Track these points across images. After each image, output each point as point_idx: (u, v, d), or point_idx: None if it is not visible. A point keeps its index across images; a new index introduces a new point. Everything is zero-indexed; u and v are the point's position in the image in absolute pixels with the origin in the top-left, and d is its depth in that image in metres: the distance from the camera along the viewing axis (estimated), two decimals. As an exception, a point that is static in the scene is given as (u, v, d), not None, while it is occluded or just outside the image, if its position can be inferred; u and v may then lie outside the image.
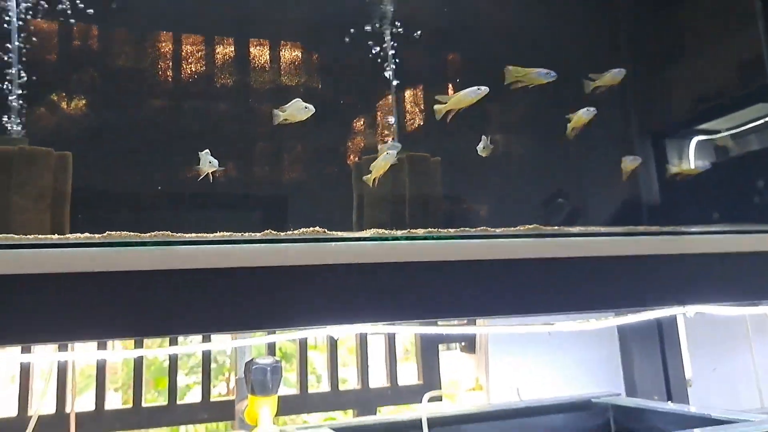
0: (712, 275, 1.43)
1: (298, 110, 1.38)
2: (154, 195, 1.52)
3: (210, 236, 1.14)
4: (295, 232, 1.20)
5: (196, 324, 1.08)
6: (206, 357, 2.12)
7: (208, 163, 1.29)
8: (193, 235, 1.13)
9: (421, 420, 1.87)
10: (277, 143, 1.75)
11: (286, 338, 1.68)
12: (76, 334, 1.02)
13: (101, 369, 1.99)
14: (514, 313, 1.30)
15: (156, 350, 1.46)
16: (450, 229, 1.31)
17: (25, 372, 1.95)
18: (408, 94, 1.97)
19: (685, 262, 1.41)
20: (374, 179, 1.51)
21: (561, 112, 1.79)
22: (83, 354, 1.49)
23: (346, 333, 1.66)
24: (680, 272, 1.40)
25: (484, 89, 1.45)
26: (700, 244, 1.43)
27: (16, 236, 1.07)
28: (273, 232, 1.18)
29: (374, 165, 1.51)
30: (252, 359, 1.77)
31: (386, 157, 1.48)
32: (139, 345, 2.14)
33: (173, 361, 2.06)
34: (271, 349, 2.18)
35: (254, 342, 1.65)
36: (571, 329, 1.85)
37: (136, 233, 1.10)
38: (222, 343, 1.61)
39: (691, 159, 2.11)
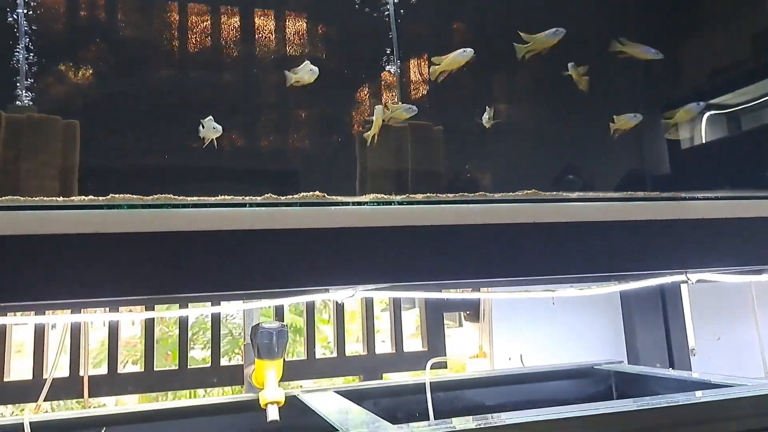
0: (713, 240, 1.43)
1: (306, 72, 1.45)
2: (160, 163, 1.55)
3: (211, 200, 1.17)
4: (296, 196, 1.22)
5: (197, 284, 1.11)
6: (215, 321, 2.17)
7: (212, 129, 1.31)
8: (195, 198, 1.16)
9: (424, 385, 1.91)
10: (280, 113, 1.77)
11: (293, 301, 1.71)
12: (79, 293, 1.05)
13: (113, 333, 2.04)
14: (512, 276, 1.32)
15: (166, 312, 1.50)
16: (449, 194, 1.32)
17: (39, 336, 2.01)
18: (412, 64, 1.98)
19: (685, 227, 1.42)
20: (373, 135, 1.55)
21: (568, 81, 1.79)
22: (95, 316, 1.54)
23: (349, 297, 1.69)
24: (680, 237, 1.41)
25: (469, 51, 1.51)
26: (700, 210, 1.44)
27: (22, 198, 1.10)
28: (273, 196, 1.20)
29: (376, 122, 1.55)
30: (258, 323, 1.81)
31: (378, 110, 1.52)
32: (149, 310, 2.19)
33: (183, 325, 2.11)
34: (279, 315, 2.22)
35: (261, 305, 1.69)
36: (572, 295, 1.87)
37: (139, 196, 1.12)
38: (231, 306, 1.65)
39: (702, 130, 2.10)
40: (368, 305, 2.34)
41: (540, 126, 1.92)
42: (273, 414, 1.69)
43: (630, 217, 1.38)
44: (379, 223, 1.24)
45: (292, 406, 1.75)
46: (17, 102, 1.53)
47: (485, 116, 1.79)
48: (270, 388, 1.71)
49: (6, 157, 1.40)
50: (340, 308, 2.27)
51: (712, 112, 2.08)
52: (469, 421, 1.24)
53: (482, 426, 1.22)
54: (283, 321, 1.93)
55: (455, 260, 1.27)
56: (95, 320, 1.51)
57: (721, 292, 2.65)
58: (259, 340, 1.76)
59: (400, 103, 1.73)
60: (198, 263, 1.12)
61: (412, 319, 2.65)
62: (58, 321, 1.62)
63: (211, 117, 1.33)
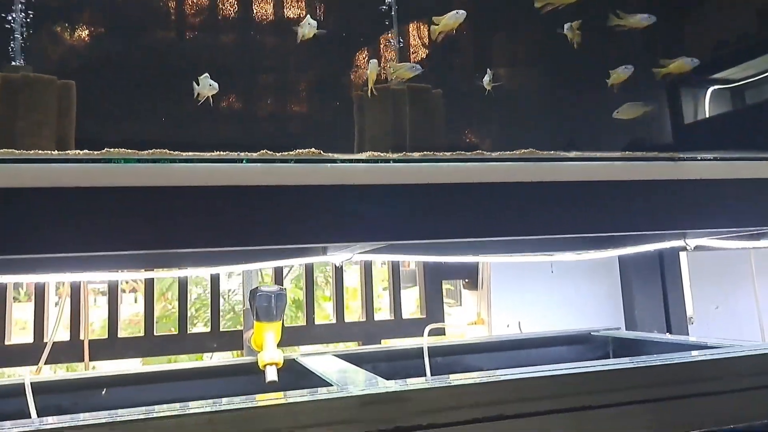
0: (711, 201, 1.43)
1: (308, 27, 1.47)
2: (156, 122, 1.54)
3: (207, 155, 1.16)
4: (291, 153, 1.21)
5: (192, 239, 1.11)
6: (214, 284, 2.18)
7: (207, 86, 1.30)
8: (191, 153, 1.15)
9: (422, 349, 1.92)
10: (278, 74, 1.76)
11: (291, 263, 1.72)
12: (73, 246, 1.05)
13: (113, 297, 2.05)
14: (508, 235, 1.32)
15: (164, 272, 1.51)
16: (446, 153, 1.32)
17: (39, 299, 2.02)
18: (412, 27, 1.96)
19: (683, 187, 1.41)
20: (370, 89, 1.56)
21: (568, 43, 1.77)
22: (93, 274, 1.55)
23: (346, 260, 1.70)
24: (679, 198, 1.41)
25: (462, 13, 1.51)
26: (699, 171, 1.43)
27: (17, 151, 1.10)
28: (269, 152, 1.19)
29: (370, 76, 1.55)
30: (257, 287, 1.82)
31: (373, 64, 1.53)
32: (149, 287, 2.20)
33: (182, 288, 2.12)
34: (279, 280, 2.24)
35: (261, 266, 1.69)
36: (570, 259, 1.87)
37: (134, 150, 1.12)
38: (229, 267, 1.65)
39: (706, 105, 2.08)
40: (367, 272, 2.35)
41: (540, 87, 1.91)
42: (271, 375, 1.71)
43: (628, 177, 1.38)
44: (375, 181, 1.23)
45: (291, 368, 1.76)
46: (13, 62, 1.52)
47: (486, 78, 1.77)
48: (269, 349, 1.73)
49: (1, 116, 1.39)
50: (339, 273, 2.28)
51: (717, 80, 2.07)
52: (465, 378, 1.25)
53: (478, 381, 1.23)
54: (282, 282, 1.95)
55: (451, 219, 1.27)
56: (95, 278, 1.52)
57: (720, 261, 2.65)
58: (257, 303, 1.77)
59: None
60: (193, 218, 1.12)
61: (413, 298, 2.65)
62: (58, 279, 1.63)
63: (207, 74, 1.32)
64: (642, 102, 1.73)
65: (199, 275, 1.98)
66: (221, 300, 2.24)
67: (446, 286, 2.63)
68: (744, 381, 1.38)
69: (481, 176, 1.29)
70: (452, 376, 1.26)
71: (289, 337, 2.21)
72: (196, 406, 1.09)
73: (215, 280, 2.18)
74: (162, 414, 1.05)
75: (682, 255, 2.54)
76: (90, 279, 1.69)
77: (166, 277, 1.58)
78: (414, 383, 1.22)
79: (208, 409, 1.08)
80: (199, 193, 1.12)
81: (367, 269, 2.35)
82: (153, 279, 2.04)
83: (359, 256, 1.67)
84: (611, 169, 1.38)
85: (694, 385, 1.35)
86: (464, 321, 2.51)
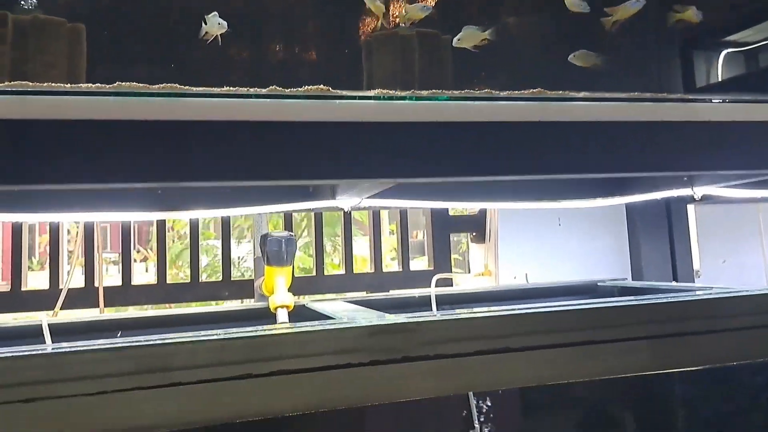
0: (720, 143, 1.43)
1: None
2: (167, 66, 1.55)
3: (216, 90, 1.17)
4: (300, 89, 1.22)
5: (201, 173, 1.13)
6: (225, 226, 2.21)
7: (216, 24, 1.30)
8: (201, 88, 1.16)
9: (430, 297, 1.95)
10: (288, 19, 1.75)
11: (301, 208, 1.74)
12: (85, 178, 1.07)
13: (126, 239, 2.09)
14: (515, 174, 1.33)
15: (175, 213, 1.53)
16: (454, 91, 1.32)
17: (54, 246, 2.06)
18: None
19: (692, 129, 1.41)
20: (376, 25, 1.55)
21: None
22: (106, 215, 1.57)
23: (355, 205, 1.71)
24: (687, 139, 1.41)
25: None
26: (709, 112, 1.43)
27: (30, 83, 1.11)
28: (278, 88, 1.20)
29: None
30: (267, 232, 1.85)
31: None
32: (161, 228, 2.24)
33: (194, 230, 2.16)
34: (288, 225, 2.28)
35: (270, 210, 1.71)
36: (578, 206, 1.88)
37: (145, 85, 1.13)
38: (239, 209, 1.68)
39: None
40: (375, 223, 2.37)
41: (546, 29, 1.89)
42: (282, 317, 1.75)
43: (636, 117, 1.38)
44: (383, 118, 1.24)
45: (301, 312, 1.80)
46: (22, 4, 1.53)
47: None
48: (279, 293, 1.76)
49: (12, 58, 1.40)
50: (348, 224, 2.30)
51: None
52: (472, 312, 1.27)
53: (485, 315, 1.25)
54: (291, 230, 1.97)
55: (459, 157, 1.28)
56: (108, 219, 1.54)
57: (728, 215, 2.65)
58: (268, 248, 1.80)
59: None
60: (202, 152, 1.13)
61: (422, 266, 2.66)
62: (71, 219, 1.65)
63: (215, 12, 1.32)
64: (596, 54, 1.71)
65: (209, 217, 1.99)
66: (231, 267, 2.27)
67: (454, 256, 2.64)
68: (748, 320, 1.40)
69: (489, 115, 1.30)
70: (459, 311, 1.28)
71: (299, 288, 2.24)
72: (208, 335, 1.12)
73: (226, 226, 2.21)
74: (176, 340, 1.08)
75: (690, 209, 2.54)
76: (104, 218, 1.72)
77: (176, 218, 1.60)
78: (421, 316, 1.24)
79: (220, 336, 1.11)
80: (209, 128, 1.14)
81: (375, 219, 2.38)
82: (164, 224, 2.07)
83: (367, 202, 1.68)
84: (620, 110, 1.38)
85: (698, 322, 1.36)
86: (472, 274, 2.54)
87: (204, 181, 1.16)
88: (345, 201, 1.66)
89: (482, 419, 1.43)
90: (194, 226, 2.17)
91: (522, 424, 1.50)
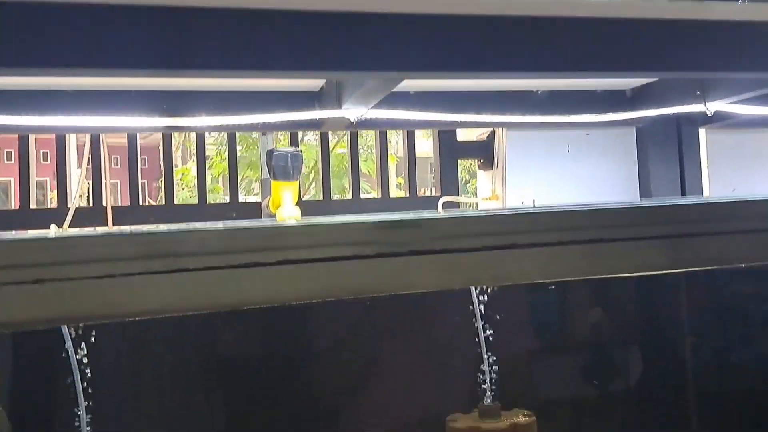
0: (733, 43, 1.39)
1: None
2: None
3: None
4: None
5: (204, 60, 1.12)
6: (231, 142, 2.20)
7: None
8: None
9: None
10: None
11: (306, 117, 1.72)
12: (89, 62, 1.06)
13: (132, 158, 2.08)
14: (522, 70, 1.31)
15: (181, 119, 1.52)
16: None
17: (61, 163, 2.06)
18: None
19: (705, 27, 1.38)
20: None
21: None
22: (115, 119, 1.57)
23: (360, 116, 1.70)
24: (700, 38, 1.37)
25: None
26: (722, 11, 1.39)
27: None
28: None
29: None
30: (273, 148, 1.84)
31: None
32: (167, 144, 2.23)
33: (200, 152, 2.16)
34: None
35: (276, 118, 1.70)
36: (588, 120, 1.86)
37: (147, -30, 1.11)
38: (245, 117, 1.67)
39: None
40: (382, 142, 2.36)
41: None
42: (289, 229, 1.75)
43: (648, 15, 1.34)
44: (391, 9, 1.22)
45: (309, 229, 1.80)
46: None
47: None
48: (287, 206, 1.76)
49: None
50: (354, 144, 2.29)
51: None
52: (479, 211, 1.27)
53: (492, 214, 1.25)
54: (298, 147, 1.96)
55: (465, 51, 1.26)
56: (115, 124, 1.54)
57: (739, 143, 2.61)
58: (275, 163, 1.79)
59: None
60: (206, 39, 1.12)
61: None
62: (77, 127, 1.65)
63: None
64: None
65: (215, 126, 1.95)
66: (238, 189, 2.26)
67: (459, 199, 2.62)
68: (757, 222, 1.39)
69: (499, 8, 1.27)
70: (466, 212, 1.28)
71: (305, 212, 2.25)
72: (215, 224, 1.12)
73: (232, 142, 2.20)
74: (183, 228, 1.09)
75: (702, 134, 2.51)
76: (110, 124, 1.71)
77: (181, 125, 1.58)
78: (428, 214, 1.24)
79: (228, 226, 1.11)
80: (213, 15, 1.12)
81: (381, 141, 2.36)
82: (171, 138, 2.06)
83: (373, 112, 1.66)
84: (632, 7, 1.34)
85: (706, 224, 1.35)
86: (478, 191, 2.53)
87: (205, 68, 1.14)
88: (351, 111, 1.64)
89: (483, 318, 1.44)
90: (200, 145, 2.16)
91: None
